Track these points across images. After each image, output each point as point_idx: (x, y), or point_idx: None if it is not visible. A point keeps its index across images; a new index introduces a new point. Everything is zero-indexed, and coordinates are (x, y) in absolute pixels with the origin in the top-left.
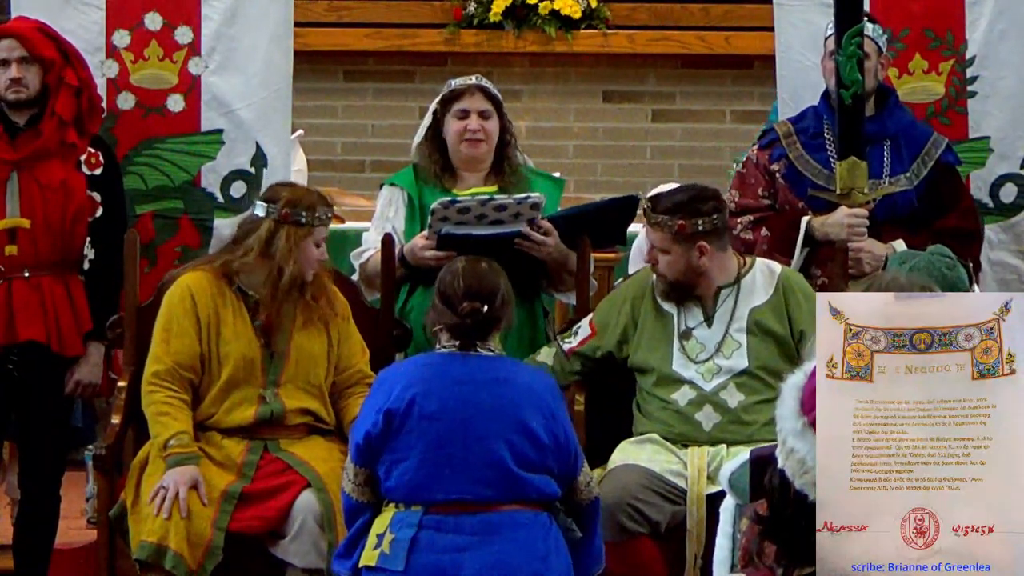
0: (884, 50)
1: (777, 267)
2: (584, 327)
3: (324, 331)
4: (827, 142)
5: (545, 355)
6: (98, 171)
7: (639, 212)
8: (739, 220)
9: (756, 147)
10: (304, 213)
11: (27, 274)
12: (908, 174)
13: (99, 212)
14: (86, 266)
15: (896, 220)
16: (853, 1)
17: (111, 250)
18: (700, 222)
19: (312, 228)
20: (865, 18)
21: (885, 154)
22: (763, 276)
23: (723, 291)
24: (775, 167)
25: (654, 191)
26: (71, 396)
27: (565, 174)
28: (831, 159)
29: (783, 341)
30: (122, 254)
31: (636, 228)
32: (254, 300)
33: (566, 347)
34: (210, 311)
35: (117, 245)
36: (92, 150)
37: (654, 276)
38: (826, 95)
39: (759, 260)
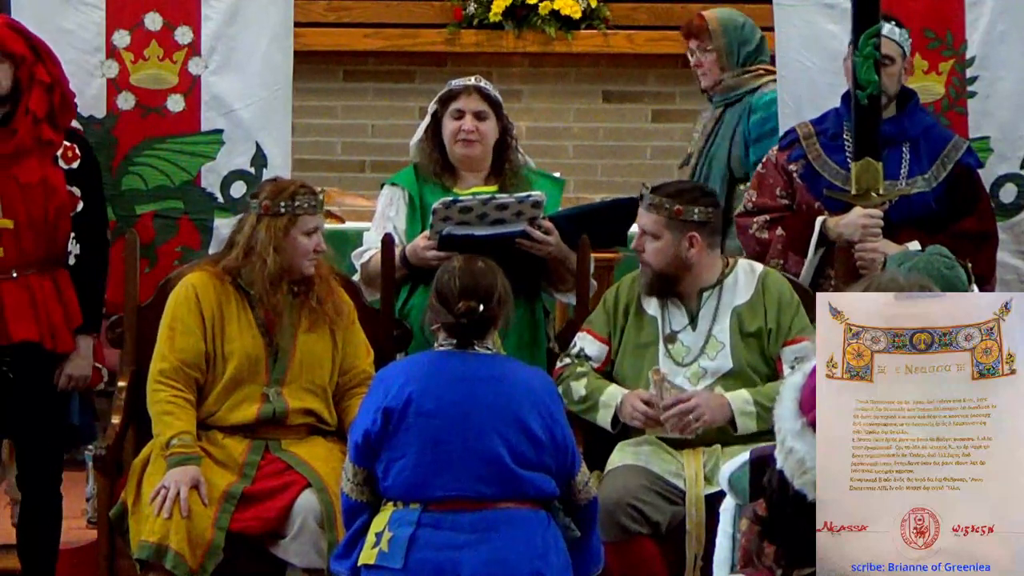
0: (907, 53)
1: (759, 266)
2: (592, 344)
3: (329, 334)
4: (846, 143)
5: (609, 395)
6: (75, 164)
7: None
8: (755, 219)
9: (776, 147)
10: (283, 203)
11: (15, 274)
12: (926, 176)
13: (80, 206)
14: (71, 261)
15: (912, 221)
16: (871, 1)
17: (96, 243)
18: (696, 211)
19: (295, 217)
20: (892, 22)
21: (904, 156)
22: (745, 276)
23: (705, 292)
24: (793, 167)
25: None
26: (64, 391)
27: (565, 174)
28: (849, 160)
29: (763, 339)
30: (106, 247)
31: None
32: (257, 298)
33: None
34: (214, 309)
35: (101, 238)
36: (67, 143)
37: (639, 274)
38: (846, 96)
39: (741, 260)
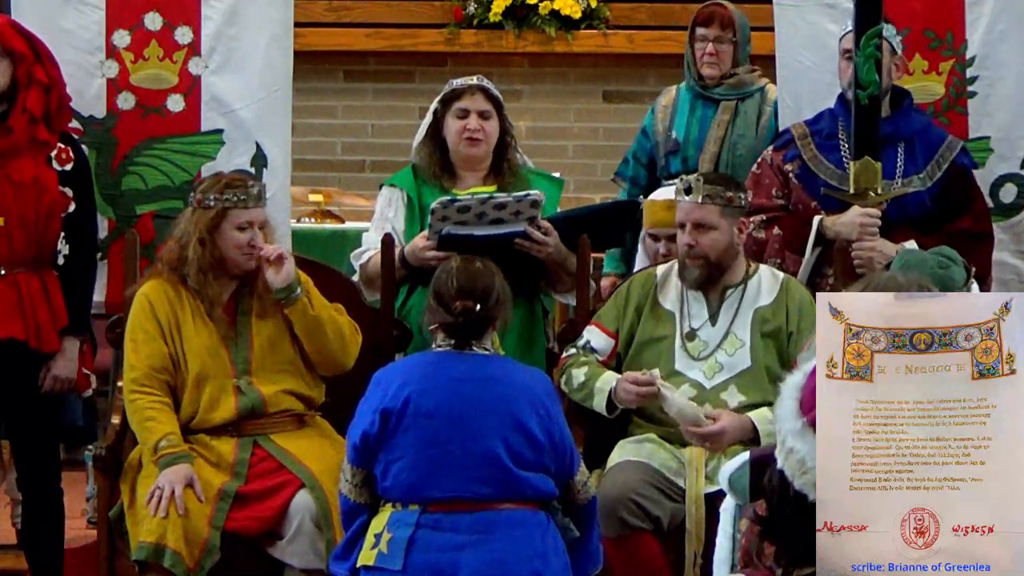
0: (898, 51)
1: (780, 273)
2: (599, 337)
3: (280, 315)
4: (841, 143)
5: (604, 381)
6: (68, 166)
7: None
8: (751, 219)
9: (772, 148)
10: (213, 196)
11: (3, 272)
12: (921, 176)
13: (72, 207)
14: (60, 261)
15: (908, 221)
16: (873, 2)
17: (85, 245)
18: (741, 196)
19: (225, 210)
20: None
21: (899, 155)
22: (767, 280)
23: (728, 291)
24: (789, 167)
25: (654, 193)
26: (48, 392)
27: (565, 174)
28: (844, 160)
29: (783, 341)
30: (95, 249)
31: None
32: (195, 290)
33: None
34: (168, 313)
35: (91, 240)
36: (62, 145)
37: (675, 268)
38: (841, 96)
39: (763, 266)
